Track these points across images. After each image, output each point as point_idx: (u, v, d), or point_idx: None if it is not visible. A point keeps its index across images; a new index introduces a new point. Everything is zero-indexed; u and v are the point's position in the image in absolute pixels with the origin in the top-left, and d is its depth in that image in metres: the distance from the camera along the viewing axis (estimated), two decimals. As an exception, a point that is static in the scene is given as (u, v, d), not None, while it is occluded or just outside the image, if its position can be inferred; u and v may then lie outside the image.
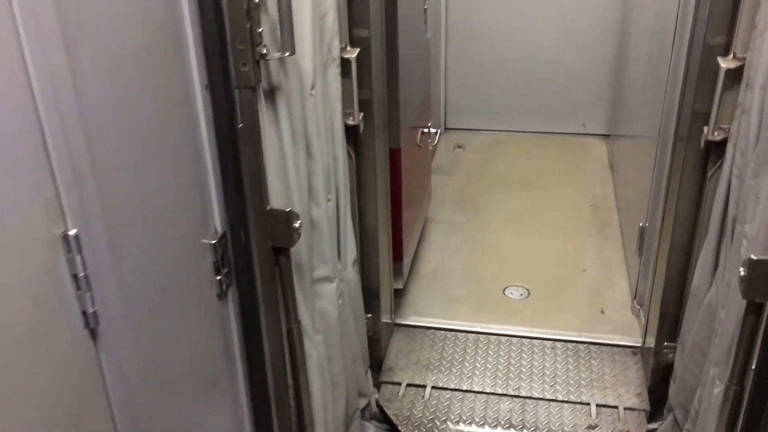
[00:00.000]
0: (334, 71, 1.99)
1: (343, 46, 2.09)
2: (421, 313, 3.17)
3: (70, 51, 0.94)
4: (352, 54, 2.10)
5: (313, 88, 1.78)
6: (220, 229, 1.41)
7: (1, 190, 0.84)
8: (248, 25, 1.40)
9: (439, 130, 4.23)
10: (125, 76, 1.10)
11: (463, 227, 3.83)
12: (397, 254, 2.99)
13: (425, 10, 3.33)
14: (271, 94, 1.56)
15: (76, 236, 0.95)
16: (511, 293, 3.29)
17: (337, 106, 2.03)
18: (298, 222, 1.54)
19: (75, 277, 0.98)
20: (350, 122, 2.18)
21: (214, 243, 1.38)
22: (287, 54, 1.51)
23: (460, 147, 4.74)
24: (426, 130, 3.41)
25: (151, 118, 1.17)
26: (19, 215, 0.87)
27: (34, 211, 0.90)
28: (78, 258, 0.96)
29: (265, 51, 1.44)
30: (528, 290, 3.30)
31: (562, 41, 4.55)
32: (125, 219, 1.10)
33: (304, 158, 1.79)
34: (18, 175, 0.87)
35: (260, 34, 1.43)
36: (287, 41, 1.50)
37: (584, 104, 4.72)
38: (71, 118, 0.95)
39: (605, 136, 4.72)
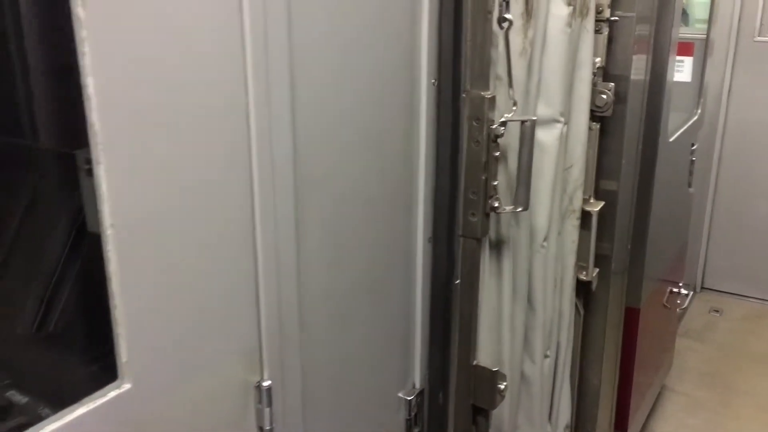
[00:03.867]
0: (573, 223, 1.96)
1: (587, 197, 2.06)
2: (640, 498, 2.85)
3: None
4: (595, 207, 2.06)
5: (545, 240, 1.77)
6: (418, 385, 1.42)
7: (206, 336, 0.92)
8: (484, 177, 1.45)
9: (691, 292, 3.92)
10: (349, 223, 1.18)
11: (706, 406, 3.43)
12: (621, 423, 2.76)
13: (692, 161, 3.18)
14: (497, 245, 1.58)
15: (269, 388, 1.00)
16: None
17: (571, 260, 1.98)
18: (504, 384, 1.50)
19: (261, 429, 1.02)
20: (583, 277, 2.11)
21: (411, 399, 1.39)
22: (520, 209, 1.53)
23: (716, 311, 4.32)
24: (675, 290, 3.18)
25: (368, 271, 1.23)
26: (218, 362, 0.95)
27: (233, 360, 0.97)
28: (267, 411, 1.00)
29: (497, 204, 1.47)
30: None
31: None
32: (322, 372, 1.14)
33: (523, 311, 1.76)
34: (227, 323, 0.95)
35: (495, 187, 1.47)
36: (522, 197, 1.52)
37: None
38: (287, 268, 1.03)
39: None
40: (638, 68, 2.10)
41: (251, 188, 0.97)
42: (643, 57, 2.13)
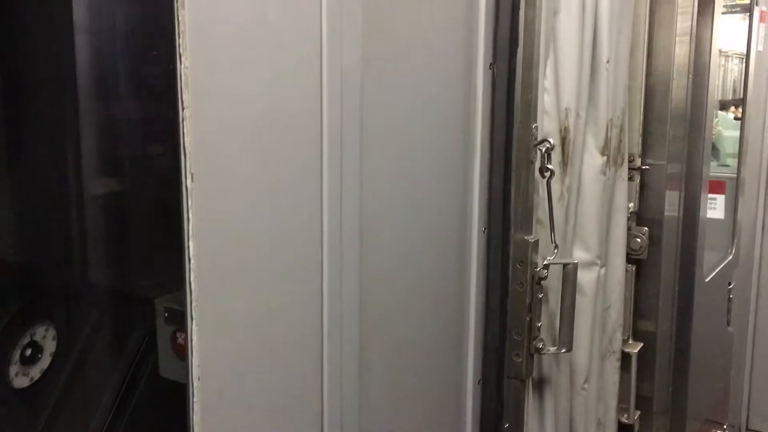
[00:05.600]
0: (613, 364, 2.00)
1: (626, 338, 2.11)
2: None
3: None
4: (634, 348, 2.11)
5: (586, 381, 1.81)
6: None
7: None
8: (528, 318, 1.53)
9: (736, 435, 3.83)
10: (406, 366, 1.26)
11: None
12: None
13: (729, 300, 3.22)
14: (540, 385, 1.63)
15: None
16: None
17: (612, 402, 2.01)
18: None
19: None
20: (624, 420, 2.12)
21: None
22: (563, 350, 1.59)
23: (764, 457, 4.18)
24: (720, 431, 3.13)
25: (423, 412, 1.30)
26: None
27: None
28: None
29: (541, 345, 1.54)
30: None
31: None
32: None
33: (567, 455, 1.78)
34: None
35: (539, 328, 1.55)
36: (565, 337, 1.59)
37: None
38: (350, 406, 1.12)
39: None
40: (671, 210, 2.21)
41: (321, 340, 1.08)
42: (676, 198, 2.24)
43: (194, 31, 0.85)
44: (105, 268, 1.38)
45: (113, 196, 1.39)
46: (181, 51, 0.84)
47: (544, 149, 1.52)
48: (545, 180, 1.54)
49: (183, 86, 0.85)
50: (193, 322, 0.83)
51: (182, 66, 0.85)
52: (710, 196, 3.35)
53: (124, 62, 1.46)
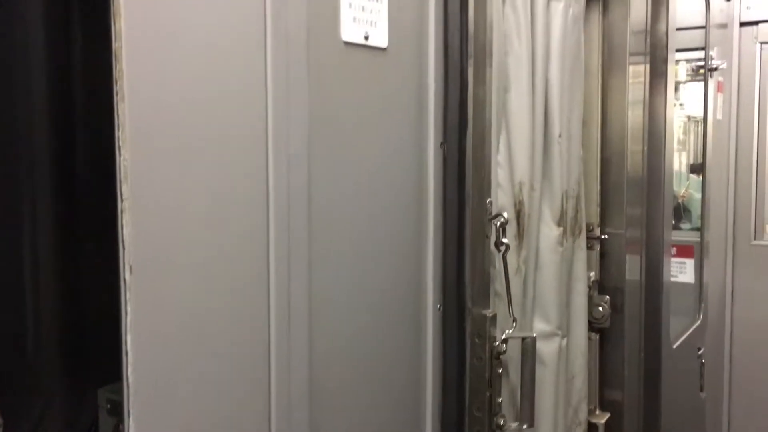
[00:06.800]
0: (580, 437, 2.00)
1: (592, 408, 2.11)
2: None
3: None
4: (601, 419, 2.11)
5: (552, 455, 1.81)
6: None
7: None
8: (488, 394, 1.53)
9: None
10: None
11: None
12: None
13: (702, 364, 3.24)
14: (504, 463, 1.62)
15: None
16: None
17: (580, 476, 2.00)
18: None
19: None
20: (595, 494, 2.10)
21: None
22: (525, 426, 1.59)
23: None
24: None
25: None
26: None
27: None
28: None
29: (502, 422, 1.54)
30: None
31: None
32: None
33: None
34: None
35: (499, 404, 1.55)
36: (526, 413, 1.59)
37: None
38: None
39: None
40: (633, 277, 2.24)
41: None
42: (637, 265, 2.27)
43: (133, 123, 0.87)
44: (52, 355, 1.37)
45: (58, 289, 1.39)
46: (121, 143, 0.87)
47: (498, 224, 1.55)
48: (501, 254, 1.57)
49: (122, 179, 0.87)
50: (130, 417, 0.83)
51: (121, 158, 0.87)
52: (679, 260, 3.42)
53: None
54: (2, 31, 1.37)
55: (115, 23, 0.85)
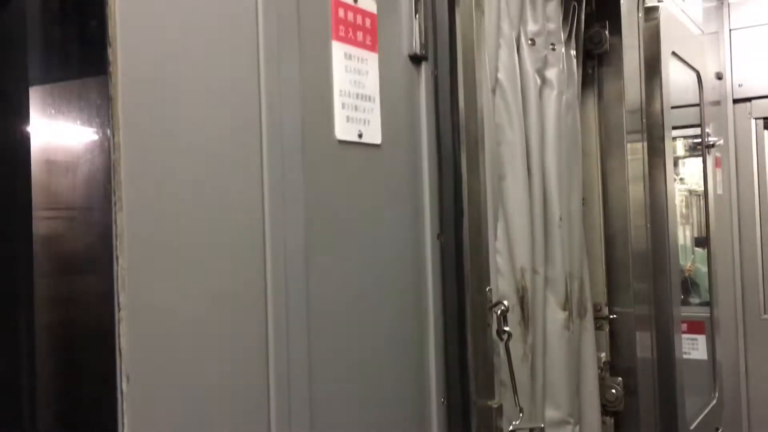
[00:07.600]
0: None
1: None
2: None
3: None
4: None
5: None
6: None
7: None
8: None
9: None
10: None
11: None
12: None
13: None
14: None
15: None
16: None
17: None
18: None
19: None
20: None
21: None
22: None
23: None
24: None
25: None
26: None
27: None
28: None
29: None
30: None
31: None
32: None
33: None
34: None
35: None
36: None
37: None
38: None
39: None
40: (645, 356, 2.20)
41: None
42: (648, 344, 2.23)
43: (131, 231, 0.89)
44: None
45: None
46: (118, 253, 0.89)
47: (499, 311, 1.55)
48: (503, 342, 1.56)
49: (120, 287, 0.88)
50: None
51: (119, 267, 0.89)
52: (690, 336, 3.37)
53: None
54: None
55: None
